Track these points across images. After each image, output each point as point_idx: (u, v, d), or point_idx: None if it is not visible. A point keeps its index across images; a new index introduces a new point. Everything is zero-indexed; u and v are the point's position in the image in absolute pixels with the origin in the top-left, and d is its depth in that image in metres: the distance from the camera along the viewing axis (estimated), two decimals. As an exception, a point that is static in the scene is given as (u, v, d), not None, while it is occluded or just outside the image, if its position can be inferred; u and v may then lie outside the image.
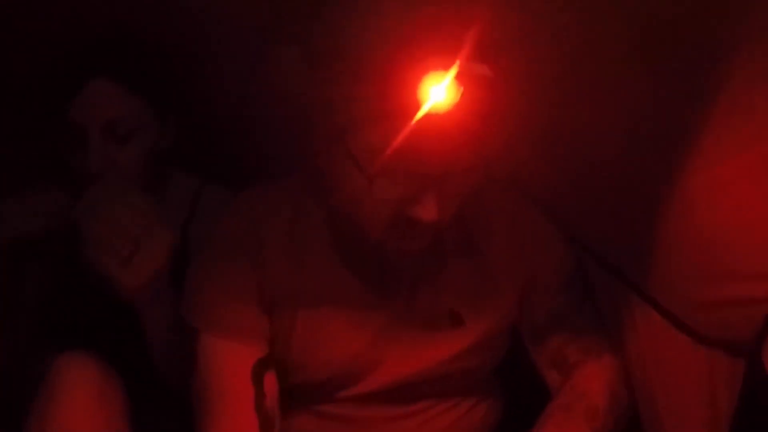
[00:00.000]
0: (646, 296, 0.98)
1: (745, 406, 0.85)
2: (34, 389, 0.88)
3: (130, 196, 0.88)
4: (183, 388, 0.95)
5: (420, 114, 0.68)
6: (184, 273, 0.94)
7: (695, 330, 0.93)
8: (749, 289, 0.82)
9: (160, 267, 0.88)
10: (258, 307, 0.89)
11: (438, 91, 0.67)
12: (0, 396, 1.00)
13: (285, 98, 0.91)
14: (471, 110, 0.70)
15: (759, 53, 0.66)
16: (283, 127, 1.02)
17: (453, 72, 0.67)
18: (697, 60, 0.70)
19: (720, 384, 0.91)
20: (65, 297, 1.13)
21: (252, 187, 0.97)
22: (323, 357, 0.91)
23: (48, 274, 1.10)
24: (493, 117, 0.75)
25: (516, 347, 1.04)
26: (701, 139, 0.75)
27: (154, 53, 1.01)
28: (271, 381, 0.87)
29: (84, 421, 0.83)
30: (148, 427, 0.94)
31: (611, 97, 0.80)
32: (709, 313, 0.90)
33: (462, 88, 0.68)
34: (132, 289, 0.87)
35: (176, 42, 1.02)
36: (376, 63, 0.68)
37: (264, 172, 1.05)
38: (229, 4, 0.92)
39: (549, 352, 0.98)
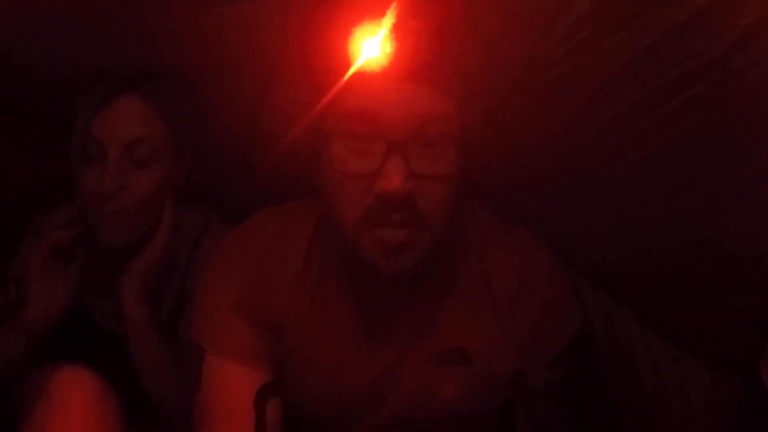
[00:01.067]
0: (642, 313, 0.97)
1: (745, 419, 0.84)
2: (28, 400, 0.87)
3: None
4: (173, 413, 0.95)
5: (351, 70, 0.65)
6: (183, 313, 0.93)
7: (692, 344, 0.93)
8: (742, 302, 0.82)
9: None
10: (266, 330, 0.86)
11: (369, 46, 0.64)
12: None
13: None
14: (405, 66, 0.67)
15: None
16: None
17: (384, 26, 0.64)
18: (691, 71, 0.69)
19: (719, 397, 0.90)
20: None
21: (271, 206, 0.93)
22: (326, 390, 0.88)
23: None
24: (439, 77, 0.73)
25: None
26: (692, 152, 0.74)
27: (178, 80, 0.96)
28: (274, 408, 0.83)
29: None
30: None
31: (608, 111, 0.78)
32: (703, 326, 0.89)
33: (392, 43, 0.65)
34: None
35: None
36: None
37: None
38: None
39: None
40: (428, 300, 0.88)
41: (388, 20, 0.66)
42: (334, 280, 0.87)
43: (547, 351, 0.90)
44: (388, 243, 0.74)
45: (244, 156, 0.96)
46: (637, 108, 0.73)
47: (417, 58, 0.70)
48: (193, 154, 1.01)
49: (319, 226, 0.88)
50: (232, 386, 0.83)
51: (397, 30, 0.67)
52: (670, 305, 0.92)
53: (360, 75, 0.69)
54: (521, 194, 0.94)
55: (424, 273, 0.82)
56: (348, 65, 0.68)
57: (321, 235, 0.88)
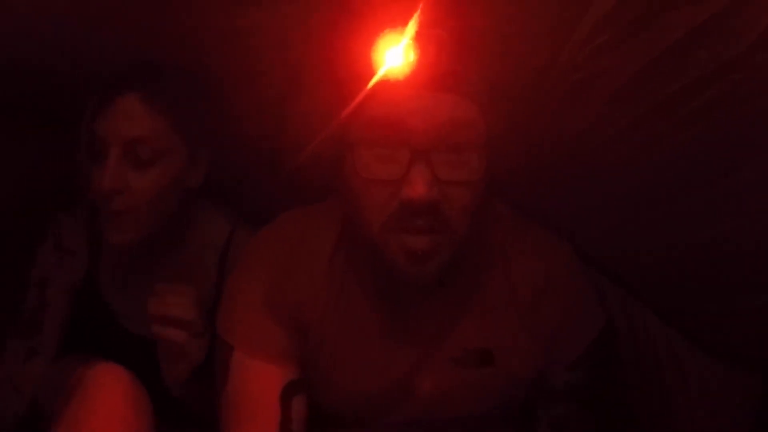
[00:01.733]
0: (662, 312, 0.97)
1: (765, 418, 0.85)
2: (58, 392, 0.89)
3: None
4: (200, 409, 0.96)
5: (375, 78, 0.66)
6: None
7: (711, 343, 0.93)
8: (761, 302, 0.82)
9: None
10: (292, 328, 0.87)
11: (392, 55, 0.65)
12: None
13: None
14: (428, 74, 0.68)
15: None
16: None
17: (408, 34, 0.65)
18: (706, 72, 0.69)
19: (738, 396, 0.91)
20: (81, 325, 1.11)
21: (296, 208, 0.95)
22: (348, 389, 0.90)
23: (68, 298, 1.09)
24: (463, 85, 0.74)
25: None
26: (712, 151, 0.74)
27: (190, 81, 0.97)
28: (299, 404, 0.85)
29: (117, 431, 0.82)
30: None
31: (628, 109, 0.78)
32: (723, 326, 0.89)
33: (416, 52, 0.66)
34: None
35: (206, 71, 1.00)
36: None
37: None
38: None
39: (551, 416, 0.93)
40: (451, 302, 0.89)
41: (411, 29, 0.66)
42: (358, 282, 0.88)
43: (568, 352, 0.90)
44: (412, 250, 0.75)
45: (268, 159, 0.97)
46: (657, 109, 0.73)
47: (440, 66, 0.71)
48: (210, 155, 1.00)
49: (344, 228, 0.90)
50: (260, 383, 0.84)
51: (419, 38, 0.68)
52: (689, 304, 0.92)
53: (384, 83, 0.70)
54: (540, 193, 0.94)
55: (447, 276, 0.83)
56: (371, 73, 0.69)
57: (345, 238, 0.89)
